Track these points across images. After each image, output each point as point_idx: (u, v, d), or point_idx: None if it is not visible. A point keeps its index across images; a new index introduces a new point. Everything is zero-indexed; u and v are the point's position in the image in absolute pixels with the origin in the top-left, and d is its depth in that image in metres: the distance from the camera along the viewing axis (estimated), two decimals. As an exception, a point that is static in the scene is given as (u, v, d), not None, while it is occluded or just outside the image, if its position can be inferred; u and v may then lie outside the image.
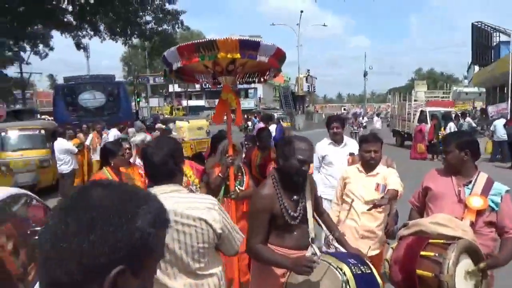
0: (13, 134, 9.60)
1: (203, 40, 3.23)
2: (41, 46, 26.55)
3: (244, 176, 4.13)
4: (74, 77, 16.44)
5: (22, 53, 27.08)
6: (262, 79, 4.13)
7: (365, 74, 49.13)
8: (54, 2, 20.38)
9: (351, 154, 4.40)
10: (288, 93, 44.58)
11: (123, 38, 23.02)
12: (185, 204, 1.83)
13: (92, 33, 22.73)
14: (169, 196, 1.81)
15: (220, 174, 3.85)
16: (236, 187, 3.91)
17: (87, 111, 14.84)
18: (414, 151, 15.50)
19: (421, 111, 17.84)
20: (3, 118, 12.54)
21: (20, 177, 8.71)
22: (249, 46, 3.20)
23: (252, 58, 3.33)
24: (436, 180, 2.75)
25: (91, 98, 15.10)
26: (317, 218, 2.61)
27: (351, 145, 4.72)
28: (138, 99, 35.42)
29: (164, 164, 1.87)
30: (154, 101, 41.75)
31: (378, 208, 3.14)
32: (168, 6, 22.02)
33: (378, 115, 27.30)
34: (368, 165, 3.36)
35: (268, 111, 29.33)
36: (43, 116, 26.43)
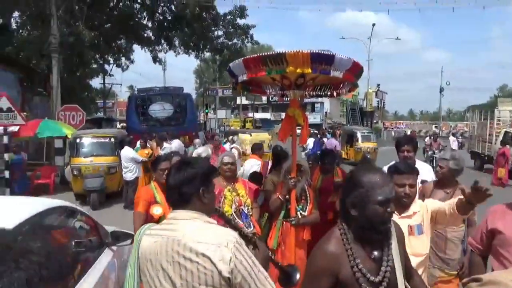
0: (86, 141, 10.29)
1: (271, 53, 3.02)
2: (123, 59, 28.73)
3: (308, 201, 3.79)
4: (146, 88, 17.43)
5: (106, 66, 29.56)
6: (335, 93, 3.88)
7: (441, 90, 46.07)
8: (136, 19, 22.15)
9: (423, 182, 3.76)
10: (355, 108, 43.35)
11: (195, 52, 24.21)
12: (195, 235, 1.57)
13: (167, 47, 24.27)
14: (185, 224, 1.63)
15: (280, 196, 3.61)
16: (298, 212, 3.64)
17: (156, 121, 15.60)
18: (495, 177, 14.00)
19: (505, 132, 16.16)
20: (81, 125, 13.52)
21: (89, 182, 9.27)
22: (322, 60, 2.94)
23: (325, 73, 3.09)
24: (506, 219, 2.25)
25: (160, 109, 15.86)
26: (406, 285, 1.85)
27: (424, 171, 4.01)
28: (206, 110, 36.68)
29: (178, 187, 1.68)
30: (221, 113, 42.95)
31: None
32: (239, 21, 22.68)
33: (454, 134, 25.28)
34: (401, 204, 2.52)
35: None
36: (121, 124, 28.52)
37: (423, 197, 3.20)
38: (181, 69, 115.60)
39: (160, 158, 4.08)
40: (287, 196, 3.62)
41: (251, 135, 14.61)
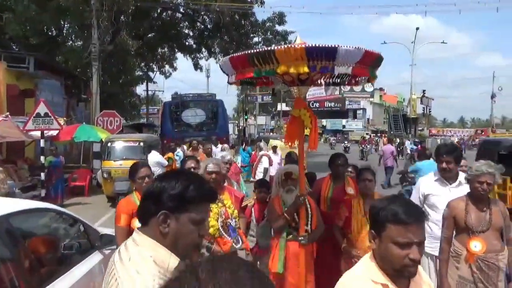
0: (117, 145, 10.65)
1: (258, 50, 2.62)
2: (166, 67, 29.74)
3: (310, 213, 3.34)
4: (181, 95, 17.89)
5: (150, 73, 30.74)
6: (353, 81, 3.36)
7: (492, 96, 43.30)
8: (178, 28, 22.92)
9: None
10: (398, 114, 41.83)
11: (235, 59, 24.41)
12: (117, 273, 1.27)
13: (208, 55, 24.82)
14: (128, 252, 1.30)
15: (287, 215, 3.24)
16: (307, 229, 3.23)
17: (189, 127, 15.94)
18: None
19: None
20: (118, 130, 14.06)
21: (118, 185, 9.57)
22: (321, 55, 2.48)
23: (326, 71, 2.68)
24: None
25: (193, 115, 16.21)
26: None
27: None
28: (245, 117, 37.00)
29: (142, 203, 1.40)
30: (261, 119, 43.24)
31: None
32: (278, 27, 22.73)
33: None
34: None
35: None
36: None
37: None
38: (224, 76, 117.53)
39: (138, 165, 3.39)
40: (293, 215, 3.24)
41: (282, 141, 14.49)
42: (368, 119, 48.26)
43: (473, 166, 2.97)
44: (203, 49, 24.47)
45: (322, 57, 2.50)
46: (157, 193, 1.31)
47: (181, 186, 1.29)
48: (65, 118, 13.68)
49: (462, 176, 3.52)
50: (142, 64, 25.61)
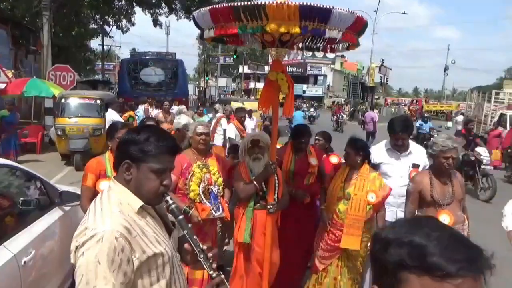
0: (72, 102, 10.22)
1: (246, 4, 2.33)
2: (124, 21, 28.19)
3: (278, 182, 3.18)
4: (139, 53, 17.27)
5: (105, 27, 29.03)
6: (329, 48, 3.13)
7: (445, 69, 45.32)
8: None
9: (415, 166, 3.48)
10: (357, 82, 42.80)
11: (196, 17, 23.50)
12: (89, 212, 1.41)
13: (168, 11, 23.67)
14: (101, 195, 1.45)
15: (256, 183, 3.10)
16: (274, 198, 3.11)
17: (147, 86, 15.52)
18: (489, 158, 13.90)
19: (501, 114, 15.96)
20: (72, 86, 13.42)
21: (73, 142, 9.30)
22: (315, 16, 2.33)
23: (317, 33, 2.51)
24: None
25: (151, 74, 15.75)
26: None
27: (417, 153, 3.63)
28: (206, 78, 36.35)
29: (116, 153, 1.51)
30: (222, 81, 42.60)
31: None
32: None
33: (463, 114, 24.04)
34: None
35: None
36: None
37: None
38: (185, 34, 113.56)
39: (116, 124, 3.50)
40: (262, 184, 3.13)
41: (243, 104, 14.47)
42: (328, 85, 48.97)
43: (438, 142, 2.96)
44: (163, 5, 23.33)
45: (315, 18, 2.34)
46: (123, 144, 1.45)
47: (142, 138, 1.41)
48: (13, 71, 12.81)
49: (412, 145, 3.65)
50: (97, 16, 24.07)
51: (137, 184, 1.41)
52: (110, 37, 31.52)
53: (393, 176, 3.52)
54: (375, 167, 3.56)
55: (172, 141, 1.49)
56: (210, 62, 43.23)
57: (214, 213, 3.23)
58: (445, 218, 2.84)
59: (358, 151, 3.34)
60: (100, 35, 29.18)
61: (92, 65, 30.55)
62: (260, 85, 50.93)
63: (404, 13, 36.01)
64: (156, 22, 24.55)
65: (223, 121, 8.24)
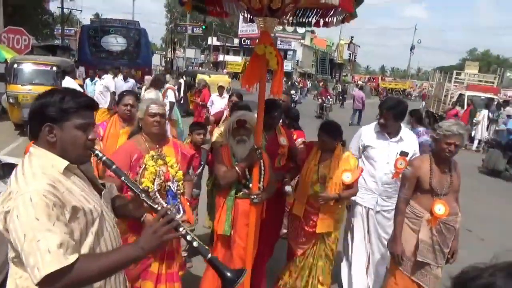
0: (26, 67, 9.60)
1: None
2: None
3: (263, 169, 2.88)
4: (101, 19, 16.53)
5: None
6: (322, 21, 2.83)
7: (412, 48, 46.28)
8: None
9: (403, 154, 3.29)
10: (326, 58, 42.91)
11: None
12: (14, 174, 1.40)
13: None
14: (20, 163, 1.44)
15: (238, 169, 2.78)
16: (259, 186, 2.79)
17: (109, 54, 14.94)
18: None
19: (460, 94, 16.58)
20: (27, 50, 12.62)
21: (27, 112, 8.77)
22: None
23: None
24: None
25: (113, 42, 15.17)
26: None
27: (408, 140, 3.46)
28: (174, 47, 35.24)
29: (29, 120, 1.46)
30: (190, 52, 41.40)
31: None
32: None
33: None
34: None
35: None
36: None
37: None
38: (152, 0, 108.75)
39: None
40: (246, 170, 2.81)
41: (209, 77, 14.23)
42: (297, 61, 48.80)
43: (442, 126, 2.77)
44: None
45: None
46: (38, 109, 1.42)
47: (57, 98, 1.42)
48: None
49: (404, 131, 3.49)
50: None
51: (63, 144, 1.42)
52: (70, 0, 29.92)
53: (379, 162, 3.40)
54: (364, 149, 3.51)
55: (87, 96, 1.55)
56: (178, 32, 41.80)
57: (175, 216, 2.83)
58: (440, 208, 2.75)
59: (336, 138, 3.20)
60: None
61: (51, 30, 28.76)
62: (229, 58, 50.23)
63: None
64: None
65: (170, 93, 7.78)
